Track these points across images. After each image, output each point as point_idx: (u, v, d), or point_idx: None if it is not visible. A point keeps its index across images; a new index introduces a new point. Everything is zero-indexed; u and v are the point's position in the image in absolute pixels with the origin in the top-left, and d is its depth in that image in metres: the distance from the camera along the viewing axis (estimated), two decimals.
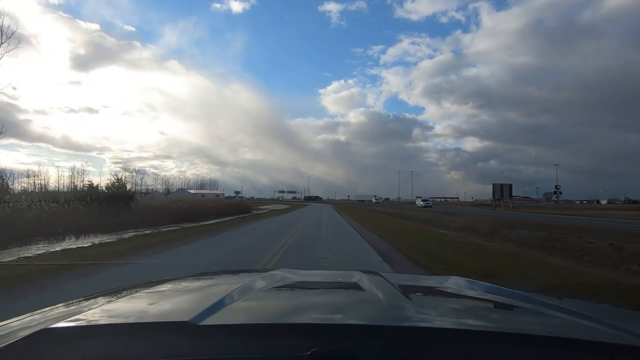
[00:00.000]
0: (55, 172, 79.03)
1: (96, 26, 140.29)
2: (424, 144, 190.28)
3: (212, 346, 0.66)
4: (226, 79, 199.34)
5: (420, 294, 1.23)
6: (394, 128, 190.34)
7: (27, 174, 54.14)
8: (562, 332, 0.82)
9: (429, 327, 0.78)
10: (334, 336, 0.70)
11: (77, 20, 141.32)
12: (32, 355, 0.65)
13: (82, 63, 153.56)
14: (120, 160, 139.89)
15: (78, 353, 0.65)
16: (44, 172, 61.38)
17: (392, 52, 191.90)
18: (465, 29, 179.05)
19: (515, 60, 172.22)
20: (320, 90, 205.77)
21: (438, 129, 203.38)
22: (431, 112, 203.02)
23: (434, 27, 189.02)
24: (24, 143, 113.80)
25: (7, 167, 50.10)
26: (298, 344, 0.64)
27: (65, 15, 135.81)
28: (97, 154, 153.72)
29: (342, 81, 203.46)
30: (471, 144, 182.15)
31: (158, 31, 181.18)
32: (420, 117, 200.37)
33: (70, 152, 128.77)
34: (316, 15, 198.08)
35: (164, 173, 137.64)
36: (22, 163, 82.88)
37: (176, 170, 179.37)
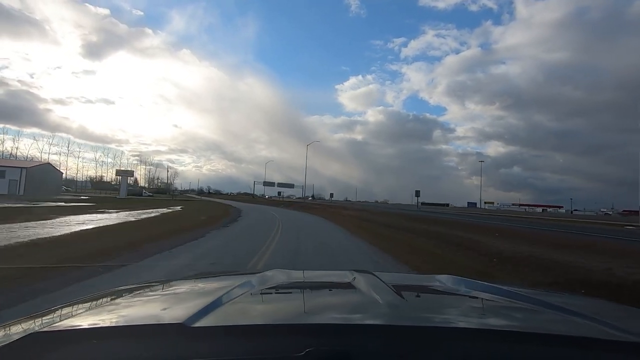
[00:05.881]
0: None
1: (106, 11, 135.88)
2: (444, 146, 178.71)
3: (206, 348, 0.65)
4: (239, 70, 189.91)
5: (414, 293, 1.23)
6: (414, 129, 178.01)
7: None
8: (558, 330, 0.83)
9: (423, 326, 0.78)
10: (328, 336, 0.69)
11: (86, 4, 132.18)
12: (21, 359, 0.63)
13: (95, 51, 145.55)
14: (139, 154, 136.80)
15: (68, 357, 0.63)
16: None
17: (415, 45, 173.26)
18: (497, 20, 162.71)
19: (550, 57, 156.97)
20: (337, 86, 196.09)
21: (460, 131, 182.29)
22: (453, 112, 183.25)
23: (462, 17, 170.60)
24: (45, 132, 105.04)
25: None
26: (292, 344, 0.64)
27: None
28: (116, 146, 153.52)
29: (360, 77, 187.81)
30: (494, 149, 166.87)
31: (166, 16, 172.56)
32: (441, 118, 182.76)
33: (91, 143, 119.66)
34: (334, 2, 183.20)
35: (181, 168, 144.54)
36: (45, 152, 69.35)
37: (192, 166, 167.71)
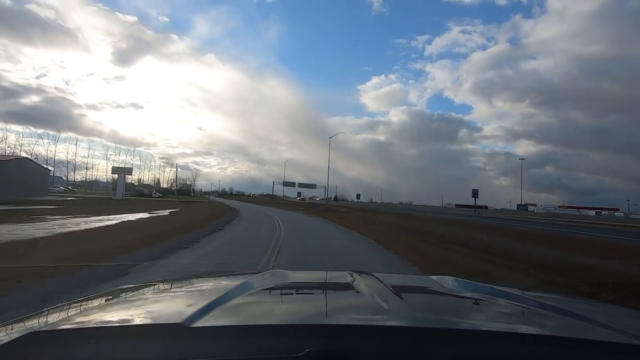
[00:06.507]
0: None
1: (134, 18, 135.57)
2: (470, 146, 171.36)
3: (205, 348, 0.65)
4: (262, 73, 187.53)
5: (413, 294, 1.21)
6: (438, 128, 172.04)
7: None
8: (555, 331, 0.84)
9: (422, 327, 0.78)
10: (327, 336, 0.69)
11: (115, 12, 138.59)
12: (18, 359, 0.63)
13: (124, 58, 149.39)
14: (166, 156, 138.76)
15: (68, 357, 0.63)
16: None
17: (439, 42, 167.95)
18: (527, 13, 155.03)
19: (586, 50, 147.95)
20: (360, 87, 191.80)
21: (487, 130, 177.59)
22: (480, 111, 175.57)
23: (489, 12, 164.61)
24: (80, 137, 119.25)
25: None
26: (291, 345, 0.64)
27: (104, 7, 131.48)
28: (145, 148, 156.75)
29: (382, 76, 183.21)
30: (525, 148, 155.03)
31: (191, 21, 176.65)
32: (467, 117, 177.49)
33: (122, 146, 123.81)
34: (355, 2, 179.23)
35: (206, 170, 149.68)
36: (81, 156, 69.63)
37: (217, 168, 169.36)
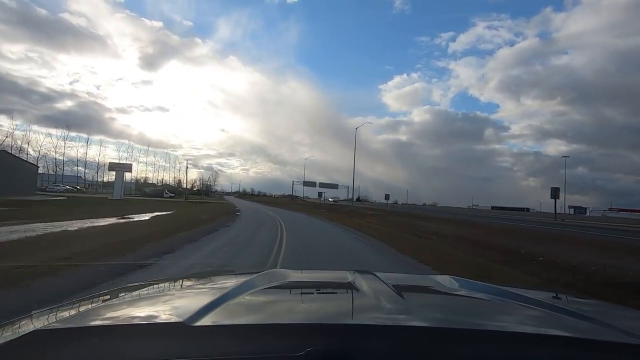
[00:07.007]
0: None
1: (160, 24, 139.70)
2: (497, 146, 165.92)
3: (206, 347, 0.65)
4: (282, 74, 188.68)
5: (414, 294, 1.22)
6: (463, 128, 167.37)
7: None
8: (558, 331, 0.83)
9: (423, 327, 0.78)
10: (328, 336, 0.68)
11: (142, 18, 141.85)
12: (22, 357, 0.64)
13: (151, 62, 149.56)
14: (191, 158, 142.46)
15: (69, 355, 0.64)
16: None
17: (464, 39, 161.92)
18: (558, 6, 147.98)
19: (623, 43, 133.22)
20: (381, 86, 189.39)
21: (515, 129, 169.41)
22: (507, 109, 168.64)
23: (517, 6, 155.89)
24: (109, 139, 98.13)
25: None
26: (292, 344, 0.64)
27: (132, 14, 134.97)
28: (171, 150, 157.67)
29: (404, 75, 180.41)
30: (555, 148, 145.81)
31: (214, 25, 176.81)
32: (493, 116, 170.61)
33: (148, 148, 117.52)
34: (376, 0, 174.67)
35: (229, 171, 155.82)
36: (111, 158, 68.91)
37: (240, 169, 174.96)
